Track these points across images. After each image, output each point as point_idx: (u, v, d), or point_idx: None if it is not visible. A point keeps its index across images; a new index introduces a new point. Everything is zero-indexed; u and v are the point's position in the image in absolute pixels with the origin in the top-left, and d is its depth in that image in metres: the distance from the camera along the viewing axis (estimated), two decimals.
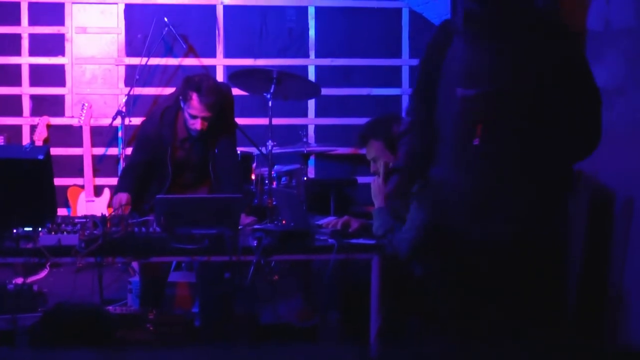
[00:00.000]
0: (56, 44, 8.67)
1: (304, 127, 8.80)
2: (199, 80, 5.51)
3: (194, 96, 5.45)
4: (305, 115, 8.93)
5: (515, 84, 3.70)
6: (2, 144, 8.29)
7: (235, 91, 7.16)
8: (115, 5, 8.70)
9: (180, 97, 5.56)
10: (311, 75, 8.84)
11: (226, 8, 8.81)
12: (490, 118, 3.76)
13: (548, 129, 3.72)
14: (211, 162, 5.75)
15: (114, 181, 8.42)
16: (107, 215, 4.63)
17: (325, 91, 7.60)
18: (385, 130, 4.84)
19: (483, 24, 3.80)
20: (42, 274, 7.27)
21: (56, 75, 8.68)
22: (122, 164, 8.01)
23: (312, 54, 8.92)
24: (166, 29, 8.41)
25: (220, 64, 8.79)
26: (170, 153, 5.65)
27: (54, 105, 8.67)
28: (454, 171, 3.88)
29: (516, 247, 3.86)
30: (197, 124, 5.52)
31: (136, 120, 8.31)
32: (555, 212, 3.95)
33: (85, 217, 4.81)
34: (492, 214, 3.80)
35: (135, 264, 6.67)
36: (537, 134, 3.71)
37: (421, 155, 4.08)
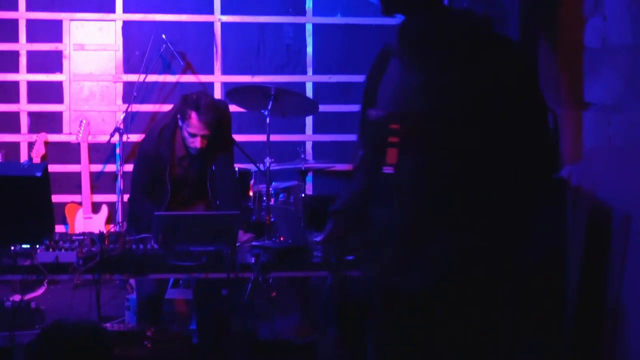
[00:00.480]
0: (54, 61, 8.68)
1: (302, 144, 8.80)
2: (197, 99, 5.50)
3: (193, 115, 5.44)
4: (303, 131, 8.94)
5: (445, 104, 3.28)
6: (0, 161, 8.29)
7: (233, 108, 7.16)
8: (113, 22, 8.72)
9: (179, 116, 5.55)
10: (309, 92, 8.86)
11: (224, 25, 8.83)
12: (408, 142, 3.32)
13: (488, 153, 3.26)
14: (209, 179, 5.75)
15: (112, 198, 8.44)
16: (104, 232, 4.63)
17: (323, 108, 7.61)
18: None
19: (417, 42, 3.41)
20: (40, 291, 7.26)
21: (54, 92, 8.69)
22: (120, 181, 8.00)
23: (309, 70, 8.93)
24: (164, 46, 8.43)
25: (218, 80, 8.80)
26: (169, 171, 5.65)
27: (52, 122, 8.67)
28: (374, 205, 3.56)
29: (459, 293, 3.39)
30: (196, 142, 5.52)
31: (134, 137, 8.32)
32: (514, 244, 3.53)
33: (82, 234, 4.82)
34: (423, 253, 3.33)
35: (132, 281, 6.67)
36: (473, 159, 3.26)
37: (361, 194, 3.83)
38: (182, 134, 5.59)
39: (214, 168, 5.76)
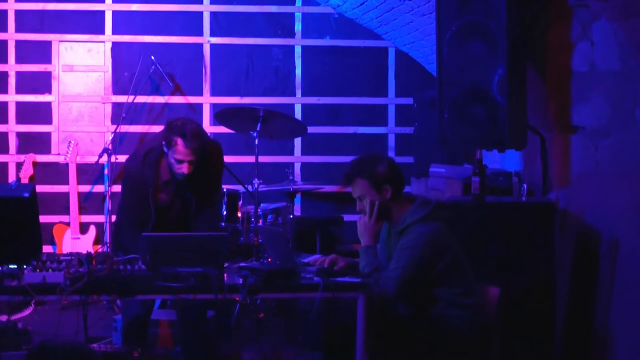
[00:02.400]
0: (43, 82, 8.68)
1: (290, 165, 8.82)
2: (182, 125, 5.42)
3: (179, 141, 5.37)
4: (291, 153, 8.95)
5: None
6: None
7: (222, 129, 7.18)
8: (102, 44, 8.73)
9: (164, 143, 5.47)
10: (297, 114, 8.87)
11: (213, 47, 8.84)
12: None
13: None
14: (192, 214, 5.67)
15: (100, 218, 8.43)
16: (92, 252, 4.61)
17: (311, 129, 7.62)
18: (371, 168, 4.84)
19: None
20: (27, 311, 7.23)
21: (43, 113, 8.68)
22: (108, 202, 7.99)
23: (298, 92, 8.94)
24: (153, 67, 8.44)
25: (206, 102, 8.81)
26: (152, 194, 5.59)
27: (41, 143, 8.67)
28: None
29: None
30: (183, 168, 5.44)
31: (122, 158, 8.29)
32: None
33: (70, 254, 4.78)
34: None
35: (120, 302, 6.65)
36: None
37: None
38: (168, 161, 5.50)
39: (198, 205, 5.68)
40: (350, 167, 4.95)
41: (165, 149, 5.46)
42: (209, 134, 5.76)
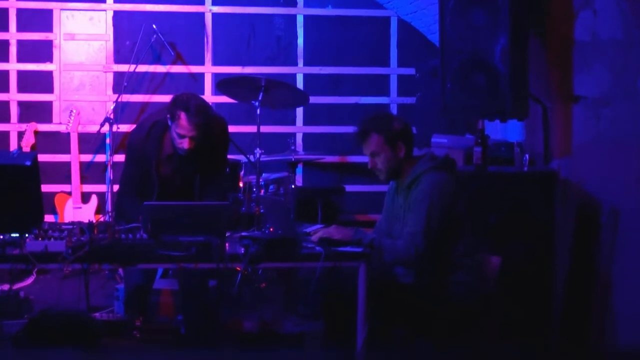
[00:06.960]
0: (44, 51, 8.66)
1: (292, 135, 8.80)
2: (187, 100, 5.41)
3: (182, 115, 5.34)
4: (293, 123, 8.93)
5: None
6: None
7: (223, 99, 7.15)
8: (104, 12, 8.70)
9: (168, 116, 5.45)
10: (299, 84, 8.85)
11: (215, 16, 8.82)
12: None
13: None
14: (196, 189, 5.66)
15: (101, 188, 8.43)
16: (94, 221, 4.62)
17: (313, 99, 7.60)
18: (386, 124, 4.83)
19: None
20: (29, 280, 7.25)
21: (44, 82, 8.66)
22: (109, 171, 7.99)
23: (300, 62, 8.92)
24: (154, 36, 8.41)
25: (208, 71, 8.79)
26: (155, 167, 5.58)
27: (42, 112, 8.65)
28: None
29: None
30: (184, 143, 5.41)
31: (124, 127, 8.31)
32: None
33: (72, 223, 4.79)
34: None
35: (121, 271, 6.66)
36: None
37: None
38: (171, 134, 5.49)
39: (202, 181, 5.68)
40: (364, 123, 4.92)
41: (169, 122, 5.45)
42: (212, 106, 5.73)
